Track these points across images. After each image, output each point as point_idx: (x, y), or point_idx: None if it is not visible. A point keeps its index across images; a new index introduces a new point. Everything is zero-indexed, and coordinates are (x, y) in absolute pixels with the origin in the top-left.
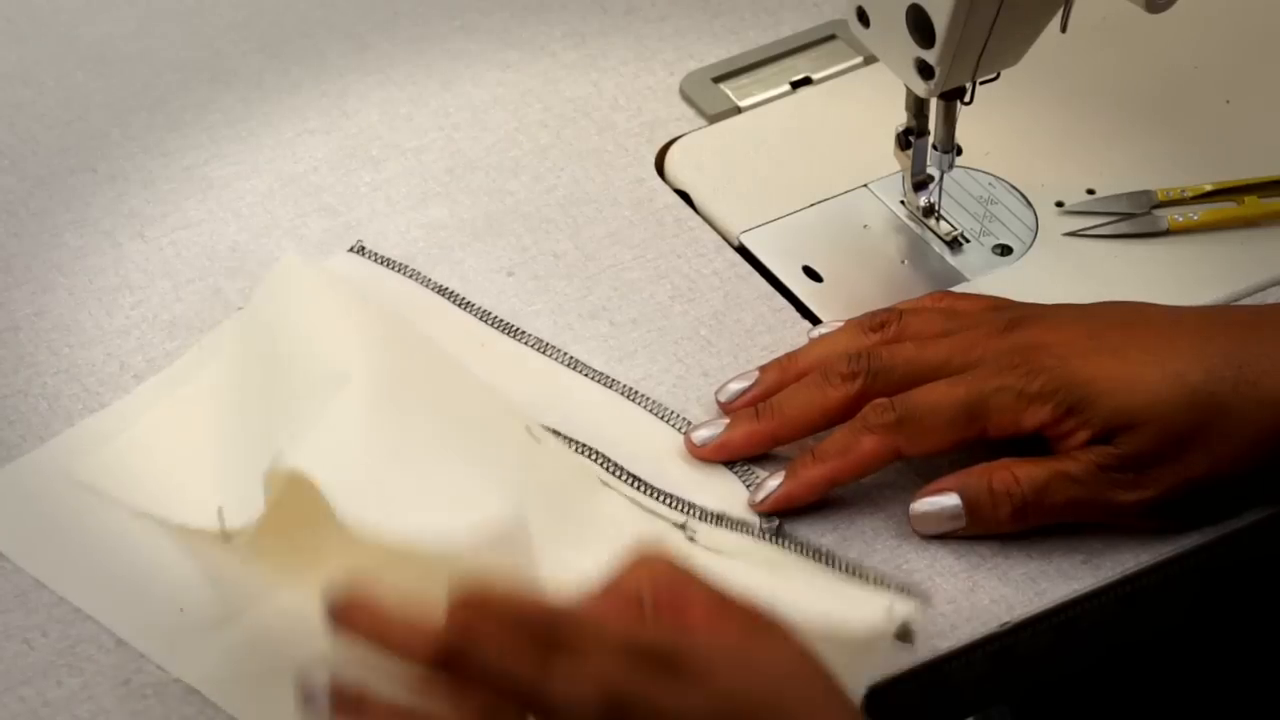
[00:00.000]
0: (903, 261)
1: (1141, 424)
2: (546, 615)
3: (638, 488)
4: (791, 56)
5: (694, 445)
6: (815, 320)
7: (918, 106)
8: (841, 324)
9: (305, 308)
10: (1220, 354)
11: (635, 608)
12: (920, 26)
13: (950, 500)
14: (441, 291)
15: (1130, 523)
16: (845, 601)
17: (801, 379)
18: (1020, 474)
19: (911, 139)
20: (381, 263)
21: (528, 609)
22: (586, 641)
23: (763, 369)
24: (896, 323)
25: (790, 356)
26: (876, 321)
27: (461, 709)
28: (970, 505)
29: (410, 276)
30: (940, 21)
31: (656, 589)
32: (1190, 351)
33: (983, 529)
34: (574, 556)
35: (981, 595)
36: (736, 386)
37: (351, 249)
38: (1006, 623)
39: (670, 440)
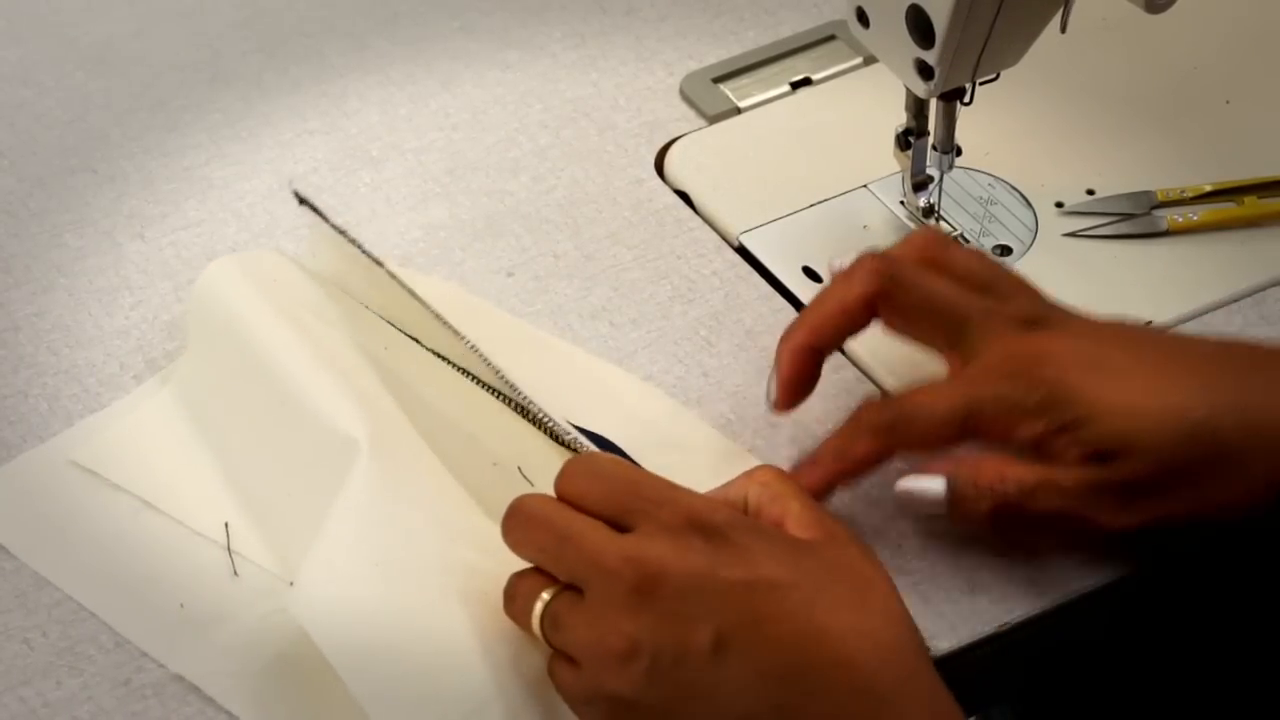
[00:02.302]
0: None
1: (1134, 451)
2: (636, 477)
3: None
4: (791, 57)
5: (773, 409)
6: None
7: (917, 107)
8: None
9: (238, 317)
10: (1225, 392)
11: (738, 509)
12: (920, 27)
13: (936, 484)
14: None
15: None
16: None
17: None
18: (1009, 473)
19: (911, 139)
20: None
21: (625, 470)
22: (660, 505)
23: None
24: (943, 249)
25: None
26: (919, 241)
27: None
28: (954, 493)
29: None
30: (940, 22)
31: (760, 495)
32: (1196, 386)
33: (963, 521)
34: None
35: (981, 595)
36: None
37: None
38: (1006, 623)
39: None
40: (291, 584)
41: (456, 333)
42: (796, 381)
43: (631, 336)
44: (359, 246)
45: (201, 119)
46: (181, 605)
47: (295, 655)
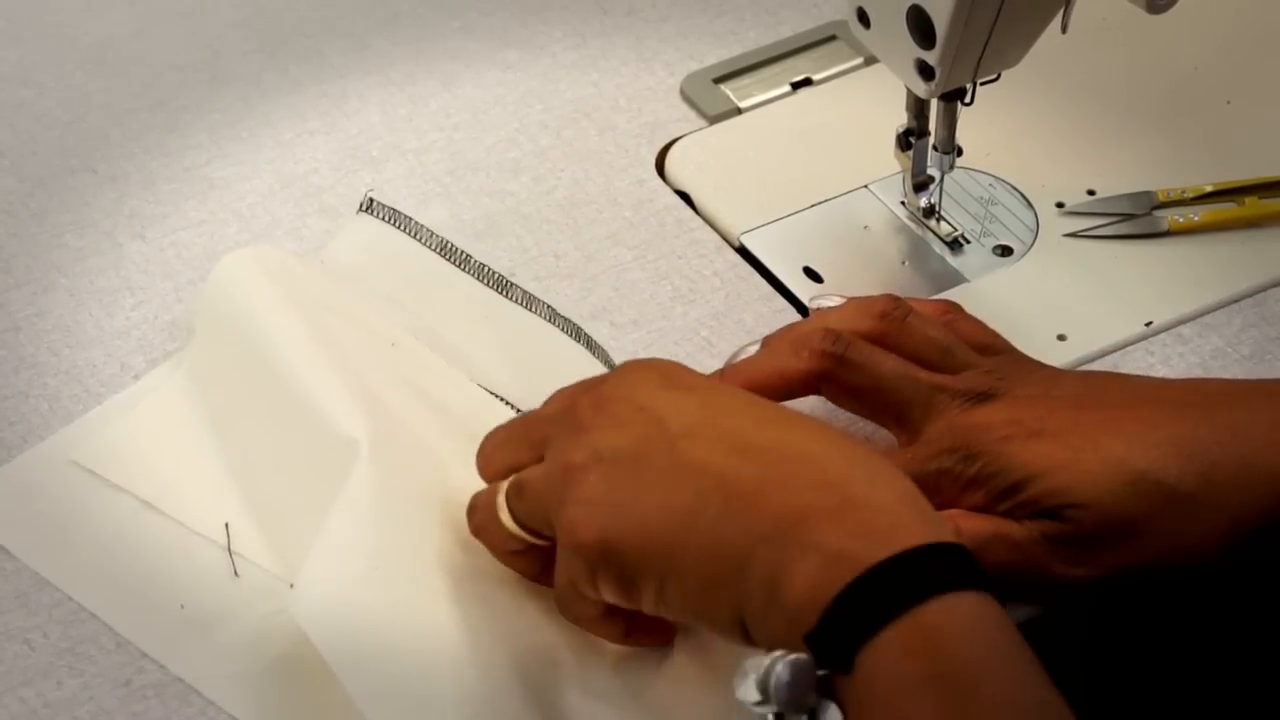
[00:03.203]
0: (903, 262)
1: (1078, 505)
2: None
3: None
4: (792, 57)
5: None
6: None
7: (918, 107)
8: (845, 301)
9: (249, 312)
10: (1170, 440)
11: None
12: (920, 27)
13: None
14: (445, 250)
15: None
16: None
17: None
18: (964, 526)
19: (912, 140)
20: (392, 220)
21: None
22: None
23: (767, 337)
24: (899, 321)
25: (793, 326)
26: (878, 309)
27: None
28: None
29: (415, 235)
30: (940, 22)
31: None
32: (1138, 436)
33: None
34: None
35: None
36: (748, 351)
37: (361, 208)
38: None
39: None
40: (292, 586)
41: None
42: None
43: (632, 337)
44: (427, 240)
45: (201, 119)
46: (182, 606)
47: (296, 656)
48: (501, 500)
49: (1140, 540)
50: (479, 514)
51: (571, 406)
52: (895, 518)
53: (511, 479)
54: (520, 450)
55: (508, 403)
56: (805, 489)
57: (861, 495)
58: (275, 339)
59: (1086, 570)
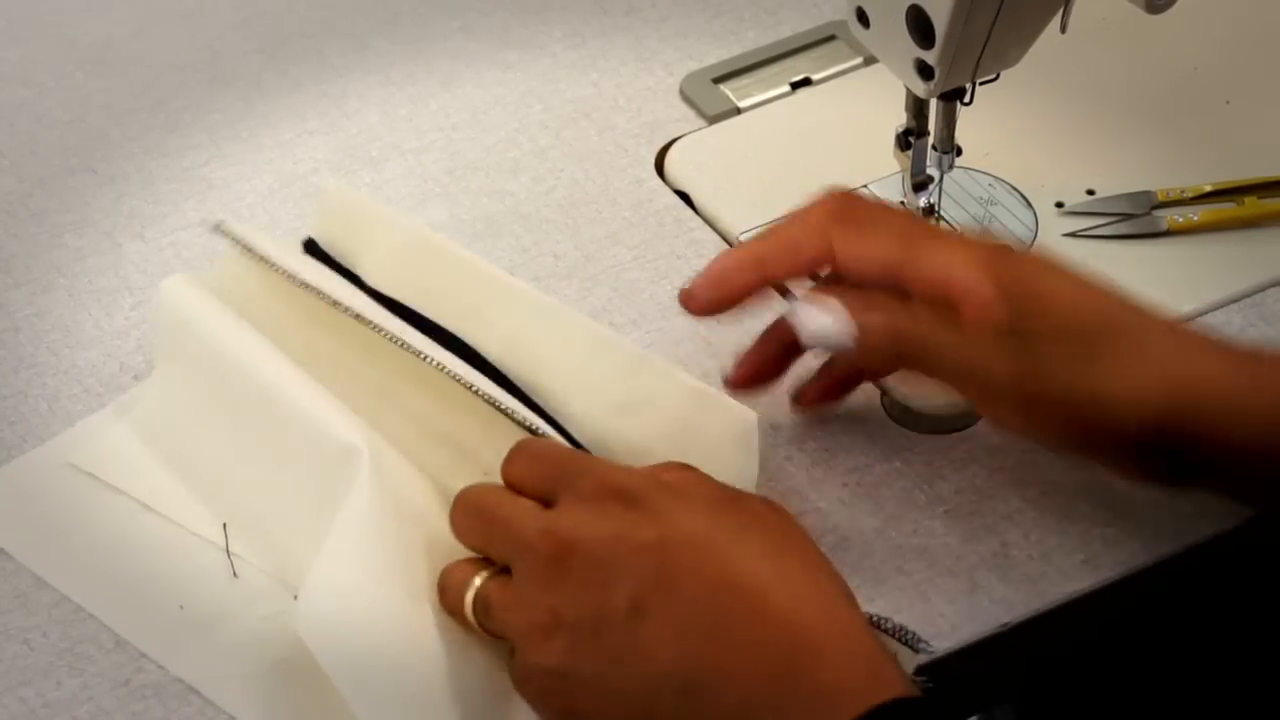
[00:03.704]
0: None
1: (1045, 302)
2: (563, 454)
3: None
4: (791, 57)
5: (688, 296)
6: None
7: (917, 107)
8: (829, 300)
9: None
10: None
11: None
12: (920, 27)
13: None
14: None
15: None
16: None
17: None
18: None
19: (911, 139)
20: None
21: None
22: (580, 475)
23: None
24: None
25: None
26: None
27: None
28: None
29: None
30: (940, 22)
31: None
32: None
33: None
34: None
35: (981, 595)
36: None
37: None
38: (1006, 623)
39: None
40: (293, 592)
41: (417, 352)
42: (721, 291)
43: (632, 337)
44: (293, 277)
45: (201, 119)
46: (181, 607)
47: (295, 657)
48: (468, 608)
49: (1084, 362)
50: (449, 597)
51: (533, 543)
52: (838, 686)
53: (476, 590)
54: (487, 546)
55: (497, 405)
56: (754, 674)
57: (809, 662)
58: (245, 352)
59: (1021, 379)
